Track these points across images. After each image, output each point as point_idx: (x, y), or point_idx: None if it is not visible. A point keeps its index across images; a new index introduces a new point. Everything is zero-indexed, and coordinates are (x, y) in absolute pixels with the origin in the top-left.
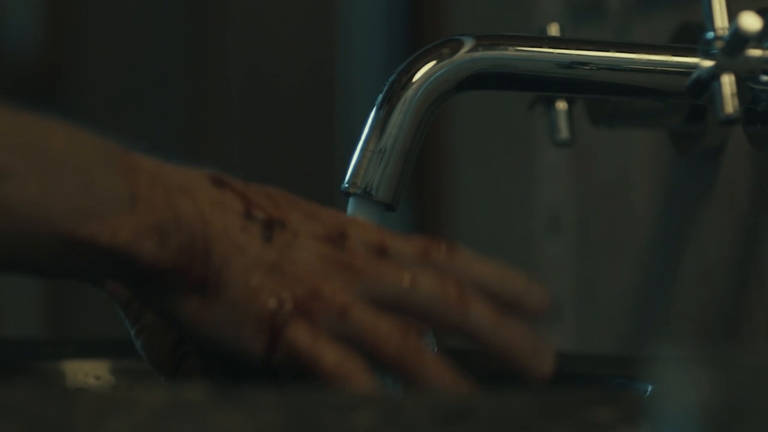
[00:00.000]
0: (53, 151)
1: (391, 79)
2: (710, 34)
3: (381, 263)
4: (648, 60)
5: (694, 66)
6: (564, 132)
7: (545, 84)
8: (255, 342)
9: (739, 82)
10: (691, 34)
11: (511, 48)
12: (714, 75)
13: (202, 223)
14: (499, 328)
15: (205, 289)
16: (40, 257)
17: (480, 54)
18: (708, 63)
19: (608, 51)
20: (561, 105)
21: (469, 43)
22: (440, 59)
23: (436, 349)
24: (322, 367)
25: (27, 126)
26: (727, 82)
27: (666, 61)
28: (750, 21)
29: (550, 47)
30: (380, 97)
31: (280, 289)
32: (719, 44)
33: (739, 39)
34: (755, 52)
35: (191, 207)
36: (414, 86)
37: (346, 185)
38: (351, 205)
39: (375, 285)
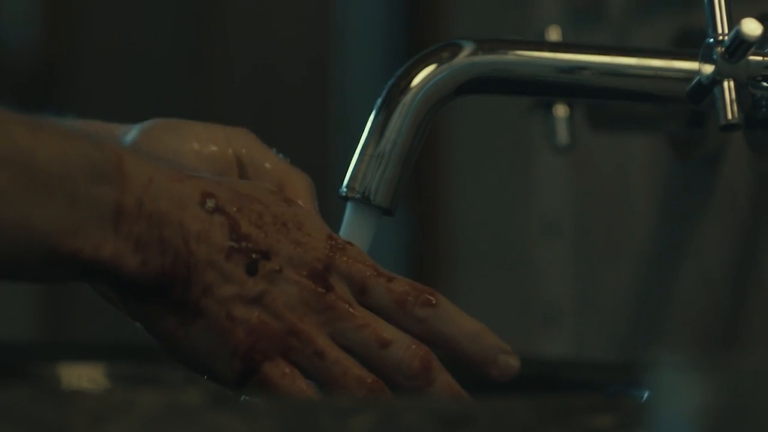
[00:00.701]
0: (39, 166)
1: (390, 83)
2: (711, 40)
3: (360, 313)
4: (648, 65)
5: (695, 71)
6: (563, 137)
7: (545, 88)
8: (228, 371)
9: (740, 87)
10: (691, 40)
11: (510, 52)
12: (714, 81)
13: (186, 250)
14: None
15: (183, 311)
16: (25, 267)
17: (479, 58)
18: (708, 68)
19: (608, 56)
20: (560, 110)
21: (468, 47)
22: (440, 63)
23: None
24: None
25: (14, 139)
26: (728, 87)
27: (666, 66)
28: (751, 27)
29: (550, 52)
30: (379, 101)
31: (258, 324)
32: (720, 50)
33: (740, 45)
34: (756, 58)
35: (177, 229)
36: (413, 90)
37: (344, 190)
38: (349, 210)
39: (349, 333)
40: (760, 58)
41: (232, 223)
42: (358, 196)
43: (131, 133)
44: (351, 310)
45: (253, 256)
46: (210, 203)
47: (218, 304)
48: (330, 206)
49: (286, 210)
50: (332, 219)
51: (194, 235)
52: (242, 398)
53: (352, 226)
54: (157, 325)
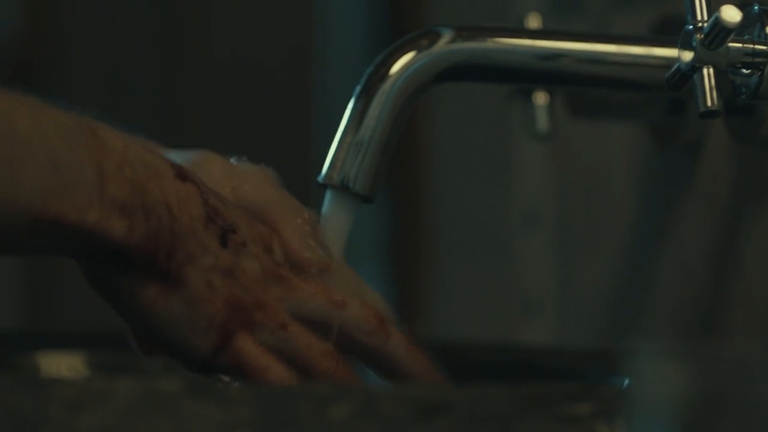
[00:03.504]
0: (18, 132)
1: (369, 70)
2: (690, 27)
3: (307, 282)
4: (628, 52)
5: (674, 59)
6: (543, 125)
7: (524, 76)
8: (203, 343)
9: (720, 74)
10: (671, 27)
11: (490, 40)
12: (694, 68)
13: (170, 215)
14: (412, 357)
15: (165, 280)
16: (7, 234)
17: (459, 45)
18: (688, 55)
19: (588, 43)
20: (540, 97)
21: (447, 35)
22: (419, 51)
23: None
24: (268, 383)
25: None
26: (707, 74)
27: (646, 53)
28: (730, 14)
29: (529, 39)
30: (358, 88)
31: (231, 296)
32: (699, 37)
33: (719, 31)
34: (735, 45)
35: (159, 195)
36: (392, 78)
37: (323, 177)
38: (328, 198)
39: (307, 302)
40: (739, 45)
41: (203, 194)
42: (337, 183)
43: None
44: (300, 281)
45: (224, 228)
46: (181, 175)
47: (199, 273)
48: (310, 194)
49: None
50: (312, 207)
51: (175, 202)
52: (220, 381)
53: (332, 213)
54: (136, 297)
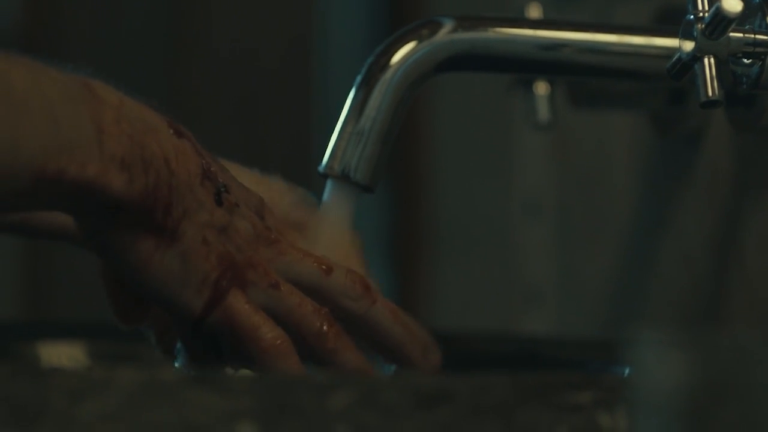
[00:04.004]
0: (17, 88)
1: (369, 60)
2: (691, 17)
3: (297, 247)
4: (629, 42)
5: (675, 48)
6: (544, 114)
7: (525, 66)
8: (196, 299)
9: (720, 64)
10: (672, 17)
11: (490, 29)
12: (695, 57)
13: (167, 170)
14: (398, 323)
15: (161, 234)
16: (8, 192)
17: (460, 35)
18: (689, 45)
19: (589, 33)
20: (541, 87)
21: (448, 25)
22: (419, 40)
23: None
24: (260, 341)
25: None
26: (708, 64)
27: (647, 43)
28: (731, 3)
29: (530, 29)
30: (359, 78)
31: (225, 253)
32: (700, 27)
33: (720, 21)
34: (736, 35)
35: (157, 149)
36: (393, 68)
37: (324, 167)
38: (329, 187)
39: (296, 266)
40: (740, 35)
41: (198, 152)
42: (338, 173)
43: None
44: (290, 245)
45: (219, 186)
46: (177, 132)
47: (195, 229)
48: (311, 184)
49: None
50: (314, 197)
51: (173, 156)
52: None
53: (333, 203)
54: (132, 251)
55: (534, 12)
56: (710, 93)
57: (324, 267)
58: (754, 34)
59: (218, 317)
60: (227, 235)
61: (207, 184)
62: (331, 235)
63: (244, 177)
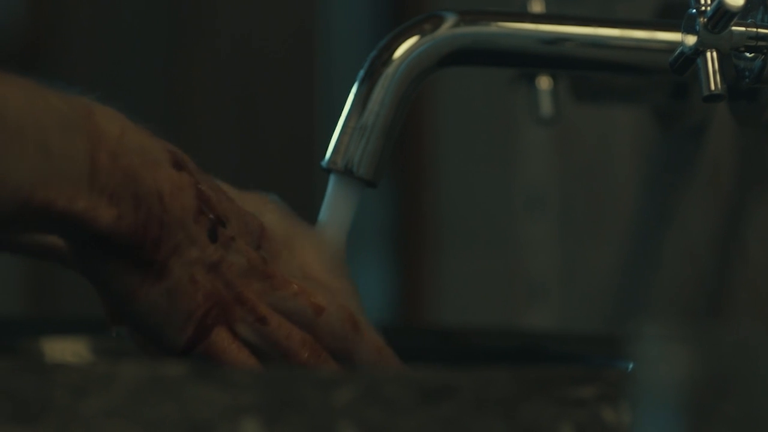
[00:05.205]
0: (12, 115)
1: (372, 55)
2: (694, 11)
3: (293, 282)
4: (631, 36)
5: (678, 42)
6: (547, 109)
7: (528, 60)
8: (179, 335)
9: (723, 58)
10: (675, 11)
11: (493, 24)
12: (697, 51)
13: (160, 206)
14: (381, 361)
15: (149, 269)
16: None
17: (462, 30)
18: (691, 39)
19: (591, 27)
20: (544, 82)
21: (451, 19)
22: (422, 35)
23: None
24: None
25: None
26: (711, 58)
27: (649, 37)
28: None
29: (532, 23)
30: (361, 73)
31: (213, 291)
32: (703, 20)
33: (722, 15)
34: (739, 29)
35: (152, 184)
36: (395, 62)
37: (327, 162)
38: (332, 182)
39: (288, 301)
40: (743, 29)
41: (197, 185)
42: (341, 168)
43: None
44: (286, 279)
45: (214, 221)
46: (177, 164)
47: (184, 267)
48: (314, 179)
49: (221, 187)
50: (317, 192)
51: (168, 192)
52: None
53: (335, 198)
54: (118, 283)
55: (536, 6)
56: (713, 87)
57: (317, 306)
58: (757, 28)
59: (202, 353)
60: (218, 271)
61: (201, 219)
62: (323, 258)
63: (246, 200)
